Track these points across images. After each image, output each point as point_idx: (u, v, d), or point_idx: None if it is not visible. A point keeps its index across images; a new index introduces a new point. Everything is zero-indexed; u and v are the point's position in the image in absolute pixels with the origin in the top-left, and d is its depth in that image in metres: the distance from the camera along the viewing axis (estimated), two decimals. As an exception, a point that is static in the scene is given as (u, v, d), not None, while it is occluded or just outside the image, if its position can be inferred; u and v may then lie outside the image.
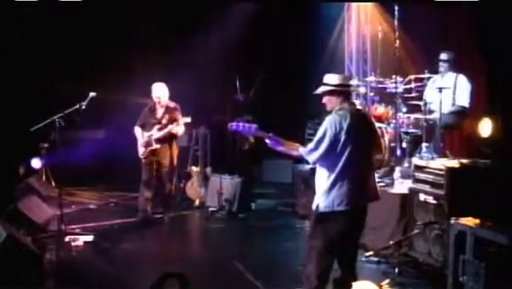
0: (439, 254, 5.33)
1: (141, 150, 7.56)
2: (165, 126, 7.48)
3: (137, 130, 7.63)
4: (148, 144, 7.51)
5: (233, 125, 4.45)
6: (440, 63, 7.02)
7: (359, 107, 4.80)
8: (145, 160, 7.57)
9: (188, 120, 7.52)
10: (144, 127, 7.61)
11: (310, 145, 4.27)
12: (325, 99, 4.40)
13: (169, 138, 7.58)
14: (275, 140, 4.35)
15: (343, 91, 4.34)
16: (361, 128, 4.32)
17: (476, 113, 6.69)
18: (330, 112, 4.35)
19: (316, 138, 4.25)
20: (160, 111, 7.60)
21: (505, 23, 6.25)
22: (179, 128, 7.55)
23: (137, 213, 7.66)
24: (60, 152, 7.05)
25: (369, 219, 4.63)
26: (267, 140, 4.36)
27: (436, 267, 5.37)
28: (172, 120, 7.51)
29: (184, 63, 9.40)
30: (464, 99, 6.86)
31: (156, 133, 7.48)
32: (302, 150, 4.32)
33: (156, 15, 9.83)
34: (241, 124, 4.44)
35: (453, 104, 6.87)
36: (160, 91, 7.57)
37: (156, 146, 7.48)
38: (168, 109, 7.59)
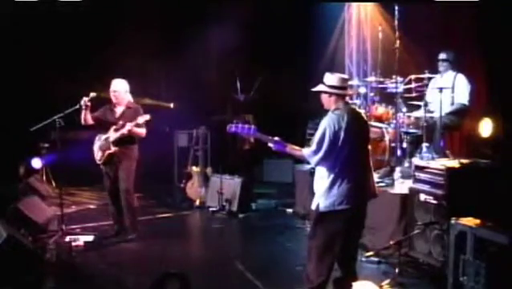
0: (439, 254, 5.32)
1: (99, 154, 6.75)
2: (123, 126, 6.55)
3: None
4: (106, 148, 6.66)
5: (232, 127, 4.47)
6: (440, 63, 7.03)
7: (353, 106, 4.81)
8: (104, 167, 6.77)
9: (147, 117, 6.53)
10: (101, 126, 6.75)
11: (313, 147, 4.27)
12: (322, 98, 4.44)
13: (129, 141, 6.68)
14: (280, 143, 4.37)
15: (337, 93, 4.36)
16: (358, 127, 4.35)
17: (476, 113, 6.70)
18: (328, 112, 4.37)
19: (316, 140, 4.26)
20: (119, 110, 6.78)
21: (506, 23, 6.27)
22: (140, 129, 6.63)
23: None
24: (60, 152, 7.04)
25: (369, 219, 4.64)
26: (271, 144, 4.39)
27: (436, 267, 5.36)
28: (131, 121, 6.56)
29: (184, 63, 9.39)
30: (463, 98, 6.85)
31: (112, 135, 6.62)
32: (305, 152, 4.33)
33: (155, 15, 9.83)
34: (240, 125, 4.46)
35: (452, 104, 6.87)
36: (115, 86, 6.72)
37: (114, 149, 6.60)
38: (127, 109, 6.75)
